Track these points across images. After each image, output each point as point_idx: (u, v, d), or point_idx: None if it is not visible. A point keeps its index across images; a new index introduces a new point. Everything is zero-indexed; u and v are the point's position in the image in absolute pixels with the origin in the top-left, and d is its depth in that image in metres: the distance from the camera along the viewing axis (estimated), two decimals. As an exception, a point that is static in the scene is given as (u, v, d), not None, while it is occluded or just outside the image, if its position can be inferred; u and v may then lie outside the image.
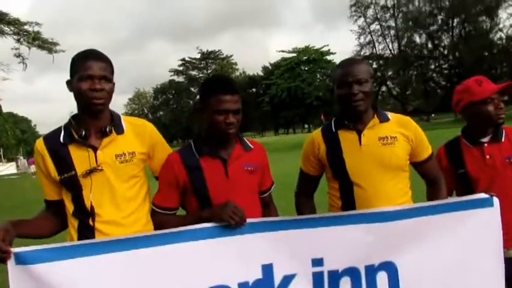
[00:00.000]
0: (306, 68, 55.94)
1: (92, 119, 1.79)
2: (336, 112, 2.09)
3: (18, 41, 18.01)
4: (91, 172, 1.75)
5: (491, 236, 1.87)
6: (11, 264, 1.52)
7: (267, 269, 1.77)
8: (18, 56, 17.84)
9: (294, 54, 57.43)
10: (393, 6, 49.08)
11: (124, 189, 1.80)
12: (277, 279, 1.78)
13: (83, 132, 1.76)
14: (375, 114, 1.97)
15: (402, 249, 1.83)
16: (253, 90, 63.47)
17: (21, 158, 46.90)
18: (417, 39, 49.72)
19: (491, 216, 1.87)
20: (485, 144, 2.13)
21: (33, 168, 31.46)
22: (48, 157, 1.78)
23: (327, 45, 57.14)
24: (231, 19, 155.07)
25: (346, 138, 1.97)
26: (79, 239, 1.75)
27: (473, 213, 1.86)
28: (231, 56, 70.90)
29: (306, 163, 2.12)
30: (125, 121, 1.88)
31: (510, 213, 1.97)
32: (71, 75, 1.78)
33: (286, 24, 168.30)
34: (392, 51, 50.39)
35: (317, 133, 2.08)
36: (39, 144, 1.81)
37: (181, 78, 71.24)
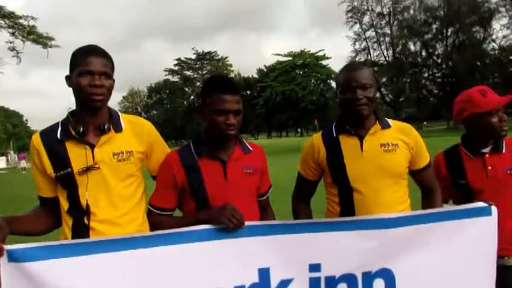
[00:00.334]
0: (301, 72, 56.11)
1: (91, 115, 1.76)
2: (338, 116, 2.07)
3: (13, 34, 17.83)
4: (87, 170, 1.72)
5: (488, 245, 1.88)
6: (3, 261, 1.49)
7: (264, 273, 1.76)
8: (12, 49, 17.65)
9: (290, 58, 57.57)
10: (389, 14, 49.52)
11: (121, 188, 1.77)
12: (274, 284, 1.77)
13: (81, 129, 1.73)
14: (377, 121, 1.96)
15: (399, 256, 1.83)
16: (248, 92, 63.49)
17: (12, 152, 46.43)
18: (412, 47, 50.27)
19: (488, 225, 1.87)
20: (487, 155, 2.11)
21: (23, 163, 31.25)
22: (45, 153, 1.74)
23: (323, 50, 57.34)
24: (228, 21, 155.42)
25: (347, 143, 1.96)
26: (73, 237, 1.71)
27: (471, 222, 1.87)
28: (226, 57, 70.98)
29: (305, 167, 2.10)
30: (123, 119, 1.85)
31: None
32: (71, 70, 1.74)
33: (282, 28, 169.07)
34: (387, 58, 50.82)
35: (317, 137, 2.06)
36: (36, 140, 1.77)
37: (176, 78, 71.11)
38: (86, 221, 1.72)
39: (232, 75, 67.80)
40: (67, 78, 1.77)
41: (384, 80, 48.86)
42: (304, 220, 1.96)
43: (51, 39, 18.62)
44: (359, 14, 50.10)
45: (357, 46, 51.05)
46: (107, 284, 1.57)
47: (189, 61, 69.63)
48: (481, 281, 1.89)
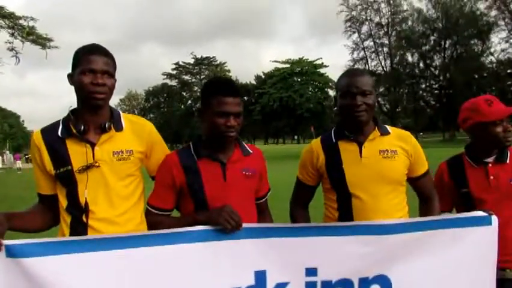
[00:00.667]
0: (298, 80, 56.22)
1: (92, 114, 1.76)
2: (337, 122, 2.09)
3: (12, 35, 17.80)
4: (87, 168, 1.72)
5: (488, 255, 1.88)
6: (1, 256, 1.49)
7: (260, 276, 1.76)
8: (11, 49, 17.61)
9: (288, 65, 57.76)
10: (388, 24, 49.91)
11: (120, 187, 1.77)
12: (270, 287, 1.77)
13: (82, 127, 1.74)
14: (376, 127, 1.97)
15: (397, 263, 1.83)
16: (245, 98, 63.57)
17: (8, 152, 46.13)
18: (410, 58, 50.69)
19: (488, 235, 1.87)
20: (490, 165, 2.10)
21: (19, 163, 31.07)
22: (45, 150, 1.75)
23: (321, 58, 57.59)
24: (227, 27, 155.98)
25: (346, 149, 1.97)
26: (71, 235, 1.71)
27: (471, 231, 1.87)
28: (225, 63, 71.06)
29: (304, 172, 2.11)
30: (124, 118, 1.86)
31: None
32: (73, 68, 1.75)
33: (280, 35, 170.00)
34: (384, 68, 51.13)
35: (316, 143, 2.07)
36: (37, 137, 1.77)
37: (173, 82, 71.12)
38: (84, 219, 1.72)
39: (230, 81, 67.59)
40: (69, 76, 1.78)
41: (381, 90, 49.11)
42: (302, 224, 1.97)
43: (50, 40, 18.60)
44: (358, 24, 50.52)
45: (355, 55, 51.42)
46: (103, 282, 1.57)
47: (187, 65, 69.72)
48: None
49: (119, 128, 1.81)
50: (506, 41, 43.21)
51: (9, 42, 17.61)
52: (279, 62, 58.87)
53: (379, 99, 48.14)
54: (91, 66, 1.70)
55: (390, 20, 49.75)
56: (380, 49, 51.37)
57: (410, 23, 49.37)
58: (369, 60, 51.32)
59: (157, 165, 1.89)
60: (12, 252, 1.50)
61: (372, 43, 51.18)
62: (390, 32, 50.30)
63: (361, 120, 1.90)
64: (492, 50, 46.07)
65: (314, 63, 57.30)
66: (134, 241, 1.63)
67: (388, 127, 2.03)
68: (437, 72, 49.78)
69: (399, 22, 49.53)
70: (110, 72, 1.76)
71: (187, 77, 70.63)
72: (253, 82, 66.49)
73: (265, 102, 55.96)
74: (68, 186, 1.74)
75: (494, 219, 1.88)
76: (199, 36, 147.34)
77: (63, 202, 1.76)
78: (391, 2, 49.36)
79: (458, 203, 2.20)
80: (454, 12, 45.92)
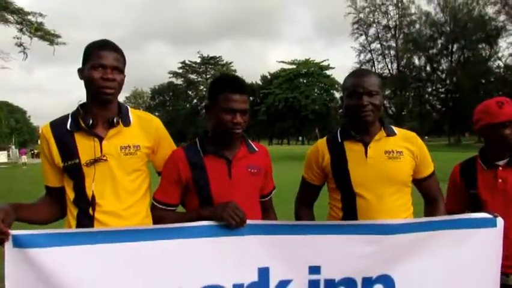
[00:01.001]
0: (304, 81, 56.20)
1: (100, 108, 1.78)
2: (343, 122, 2.09)
3: (20, 30, 17.92)
4: (95, 161, 1.74)
5: (492, 257, 1.87)
6: (8, 246, 1.51)
7: (263, 273, 1.76)
8: (19, 45, 17.73)
9: (294, 66, 57.73)
10: (395, 27, 49.74)
11: (127, 182, 1.79)
12: (273, 284, 1.77)
13: (91, 121, 1.76)
14: (382, 128, 1.98)
15: (400, 263, 1.83)
16: (251, 98, 63.69)
17: (13, 147, 46.40)
18: (417, 61, 50.49)
19: (493, 237, 1.87)
20: (500, 168, 2.09)
21: (24, 158, 31.29)
22: (54, 143, 1.77)
23: (327, 59, 57.52)
24: (234, 27, 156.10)
25: (352, 149, 1.97)
26: (78, 227, 1.74)
27: (475, 233, 1.86)
28: (231, 62, 71.18)
29: (309, 172, 2.11)
30: (132, 114, 1.88)
31: None
32: (84, 63, 1.78)
33: (287, 36, 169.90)
34: (391, 71, 50.97)
35: (322, 142, 2.08)
36: (46, 129, 1.80)
37: (179, 81, 71.36)
38: (91, 212, 1.74)
39: (236, 80, 67.69)
40: (79, 71, 1.80)
41: (387, 92, 48.98)
42: (306, 222, 1.97)
43: (57, 36, 18.72)
44: (365, 26, 50.41)
45: (361, 57, 51.32)
46: (107, 274, 1.59)
47: (194, 65, 69.90)
48: None
49: (127, 123, 1.83)
50: (515, 46, 42.95)
51: (18, 38, 17.75)
52: (285, 62, 58.94)
53: (385, 101, 48.11)
54: (101, 62, 1.72)
55: (397, 22, 49.59)
56: (386, 52, 51.26)
57: (417, 26, 49.21)
58: (376, 63, 51.26)
59: (163, 160, 1.91)
60: (19, 243, 1.52)
61: (379, 45, 51.09)
62: (397, 35, 50.14)
63: (367, 120, 1.90)
64: (500, 54, 45.86)
65: (320, 64, 57.25)
66: (139, 235, 1.64)
67: (394, 128, 2.03)
68: (443, 76, 49.57)
69: (407, 25, 49.36)
70: (120, 68, 1.78)
71: (193, 76, 70.83)
72: (259, 82, 66.53)
73: (270, 103, 55.97)
74: (75, 179, 1.76)
75: (500, 221, 1.87)
76: (206, 35, 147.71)
77: (70, 195, 1.78)
78: (399, 4, 49.23)
79: (467, 205, 2.20)
80: (462, 16, 45.70)
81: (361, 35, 50.84)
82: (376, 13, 49.84)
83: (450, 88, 47.98)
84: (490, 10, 44.03)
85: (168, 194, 1.88)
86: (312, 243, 1.80)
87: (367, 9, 49.66)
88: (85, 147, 1.75)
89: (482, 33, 44.56)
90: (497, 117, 2.03)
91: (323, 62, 57.22)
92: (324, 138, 2.10)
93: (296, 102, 53.40)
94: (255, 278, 1.75)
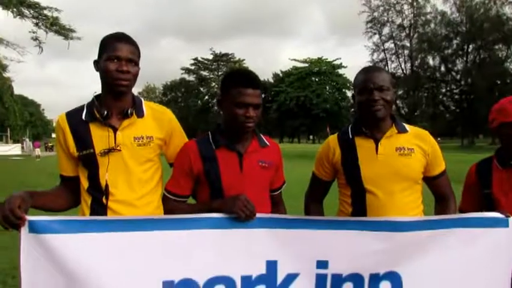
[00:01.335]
0: (316, 79, 56.02)
1: (115, 100, 1.82)
2: (354, 118, 2.09)
3: (36, 24, 18.16)
4: (109, 151, 1.77)
5: (503, 257, 1.85)
6: (24, 231, 1.55)
7: (271, 266, 1.78)
8: (35, 39, 17.97)
9: (306, 65, 57.53)
10: (410, 26, 49.18)
11: (139, 172, 1.82)
12: (281, 277, 1.79)
13: (105, 112, 1.79)
14: (394, 124, 1.98)
15: (409, 260, 1.82)
16: (262, 96, 63.66)
17: (27, 140, 47.11)
18: (431, 62, 49.90)
19: (504, 237, 1.85)
20: None
21: (38, 151, 31.72)
22: (69, 133, 1.81)
23: (340, 58, 57.19)
24: (246, 24, 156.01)
25: (363, 145, 1.97)
26: (91, 215, 1.78)
27: (485, 232, 1.85)
28: (243, 60, 71.17)
29: (319, 167, 2.12)
30: (146, 106, 1.91)
31: None
32: (99, 55, 1.81)
33: (299, 34, 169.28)
34: (404, 71, 50.48)
35: (333, 138, 2.08)
36: (62, 119, 1.84)
37: (191, 77, 71.64)
38: (104, 201, 1.78)
39: (248, 78, 67.78)
40: (95, 62, 1.84)
41: (400, 92, 48.54)
42: (316, 217, 1.98)
43: (72, 31, 18.92)
44: (379, 25, 49.93)
45: (374, 57, 50.87)
46: (118, 261, 1.62)
47: (206, 61, 70.08)
48: None
49: (140, 114, 1.86)
50: (533, 47, 42.16)
51: (33, 32, 17.99)
52: (297, 60, 58.91)
53: (397, 102, 47.70)
54: (117, 54, 1.75)
55: (412, 22, 49.02)
56: (400, 51, 50.75)
57: (432, 25, 48.58)
58: (389, 62, 50.81)
59: (175, 152, 1.94)
60: (34, 228, 1.56)
61: (392, 45, 50.62)
62: (412, 34, 49.58)
63: (378, 115, 1.90)
64: (517, 55, 45.00)
65: (333, 63, 57.01)
66: (150, 224, 1.67)
67: (406, 125, 2.02)
68: (458, 76, 48.88)
69: (421, 24, 48.76)
70: (135, 60, 1.81)
71: (205, 73, 71.05)
72: (271, 80, 66.48)
73: (281, 101, 55.94)
74: (89, 169, 1.80)
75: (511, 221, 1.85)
76: (219, 32, 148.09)
77: (84, 184, 1.82)
78: (414, 4, 48.63)
79: (482, 206, 2.17)
80: (478, 16, 44.98)
81: (375, 34, 50.46)
82: (390, 12, 49.41)
83: (465, 89, 47.33)
84: (508, 10, 43.32)
85: (179, 186, 1.90)
86: (321, 238, 1.80)
87: (381, 8, 49.22)
88: (100, 137, 1.79)
89: (499, 33, 43.80)
90: (509, 116, 2.01)
91: (335, 60, 57.03)
92: (336, 135, 2.10)
93: (307, 101, 53.28)
94: (263, 270, 1.77)
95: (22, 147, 42.59)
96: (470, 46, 47.19)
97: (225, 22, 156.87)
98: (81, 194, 1.85)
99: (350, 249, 1.81)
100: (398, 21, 49.48)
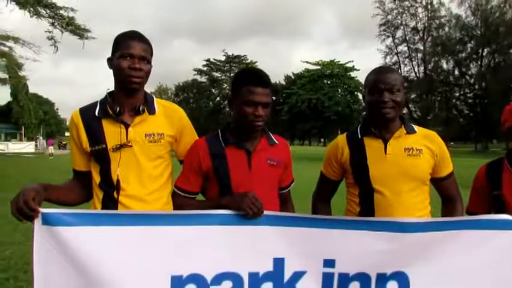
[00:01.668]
0: (328, 82, 55.80)
1: (127, 97, 1.85)
2: (364, 118, 2.10)
3: (52, 24, 18.45)
4: (120, 147, 1.81)
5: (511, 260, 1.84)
6: (37, 223, 1.59)
7: (279, 263, 1.79)
8: (50, 38, 18.26)
9: (318, 67, 57.36)
10: (424, 30, 48.66)
11: (150, 168, 1.86)
12: (288, 274, 1.80)
13: (118, 109, 1.83)
14: (403, 125, 1.98)
15: (416, 261, 1.82)
16: (273, 98, 63.57)
17: (41, 138, 47.73)
18: (444, 65, 49.19)
19: None
20: None
21: (51, 149, 32.16)
22: (83, 128, 1.85)
23: (352, 61, 56.90)
24: (259, 26, 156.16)
25: (371, 145, 1.98)
26: (102, 209, 1.81)
27: (495, 234, 1.83)
28: (255, 62, 71.15)
29: (328, 167, 2.13)
30: (157, 103, 1.94)
31: None
32: (113, 52, 1.84)
33: (312, 37, 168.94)
34: (417, 75, 49.88)
35: (342, 138, 2.09)
36: (75, 115, 1.88)
37: (203, 79, 71.84)
38: (115, 195, 1.81)
39: (259, 79, 67.79)
40: (108, 60, 1.88)
41: (413, 96, 48.03)
42: (324, 216, 1.99)
43: (87, 31, 19.17)
44: (393, 28, 49.46)
45: (387, 60, 50.28)
46: (129, 255, 1.65)
47: (218, 63, 70.27)
48: None
49: (152, 111, 1.89)
50: (549, 51, 41.40)
51: (49, 32, 18.28)
52: (310, 63, 58.75)
53: (410, 105, 47.23)
54: (130, 52, 1.79)
55: (426, 25, 48.49)
56: (413, 54, 50.15)
57: (446, 29, 48.00)
58: (402, 66, 50.12)
59: (185, 149, 1.97)
60: (47, 220, 1.60)
61: (406, 48, 50.00)
62: (425, 38, 49.04)
63: (388, 117, 1.91)
64: (533, 60, 44.18)
65: (345, 66, 56.74)
66: (159, 219, 1.70)
67: (415, 126, 2.03)
68: (472, 80, 48.22)
69: (435, 28, 48.20)
70: (147, 58, 1.84)
71: (217, 74, 71.21)
72: (283, 82, 66.41)
73: (293, 103, 55.82)
74: (101, 164, 1.84)
75: None
76: (232, 34, 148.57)
77: (96, 178, 1.86)
78: (429, 7, 48.13)
79: (491, 208, 2.15)
80: (494, 19, 44.31)
81: (388, 37, 49.91)
82: (404, 15, 48.87)
83: (479, 93, 46.65)
84: (524, 14, 42.58)
85: (189, 182, 1.93)
86: (328, 237, 1.81)
87: (395, 11, 48.74)
88: (112, 133, 1.83)
89: (514, 37, 43.08)
90: None
91: (347, 63, 56.74)
92: (344, 134, 2.11)
93: (319, 104, 53.09)
94: (270, 267, 1.78)
95: (36, 145, 43.19)
96: (485, 50, 46.53)
97: (238, 24, 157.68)
98: (93, 189, 1.89)
99: (357, 248, 1.81)
100: (412, 24, 48.93)
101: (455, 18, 47.14)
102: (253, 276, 1.76)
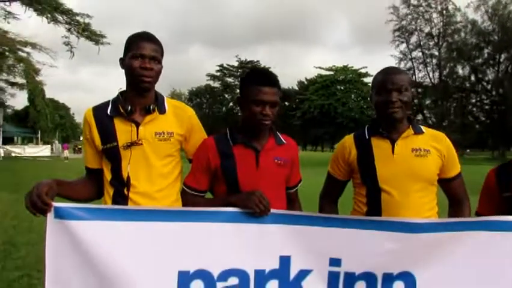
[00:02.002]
0: (341, 88, 55.53)
1: (139, 96, 1.90)
2: (371, 119, 2.11)
3: (68, 30, 18.88)
4: (131, 145, 1.86)
5: None
6: (50, 217, 1.64)
7: (285, 261, 1.80)
8: (67, 44, 18.68)
9: (331, 72, 57.15)
10: (439, 35, 48.15)
11: (160, 166, 1.90)
12: (293, 272, 1.81)
13: (129, 108, 1.87)
14: (410, 126, 1.98)
15: (423, 262, 1.81)
16: (286, 103, 63.56)
17: (57, 142, 48.53)
18: (460, 71, 48.45)
19: None
20: None
21: (66, 153, 32.72)
22: (95, 126, 1.90)
23: (366, 67, 56.56)
24: (272, 32, 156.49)
25: (379, 145, 1.99)
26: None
27: (504, 236, 1.81)
28: (269, 67, 71.16)
29: (335, 166, 2.14)
30: (168, 102, 1.98)
31: None
32: (125, 52, 1.90)
33: (325, 42, 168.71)
34: (432, 80, 49.29)
35: (350, 138, 2.10)
36: (88, 114, 1.94)
37: (216, 84, 72.21)
38: (125, 192, 1.86)
39: (272, 85, 67.90)
40: (121, 60, 1.93)
41: (428, 102, 47.48)
42: (330, 215, 1.99)
43: (103, 36, 19.60)
44: (407, 34, 49.07)
45: (402, 66, 49.77)
46: (138, 249, 1.68)
47: (231, 68, 70.60)
48: None
49: (162, 110, 1.93)
50: None
51: (66, 37, 18.71)
52: (323, 68, 58.53)
53: (425, 111, 46.70)
54: (141, 52, 1.84)
55: (441, 30, 47.98)
56: (428, 60, 49.61)
57: (462, 34, 47.39)
58: (417, 71, 49.63)
59: (194, 148, 2.00)
60: (60, 214, 1.65)
61: (420, 54, 49.48)
62: (440, 43, 48.51)
63: (395, 117, 1.92)
64: (551, 66, 43.37)
65: (358, 71, 56.42)
66: (169, 215, 1.74)
67: (422, 127, 2.03)
68: (489, 86, 47.46)
69: (451, 33, 47.64)
70: (158, 58, 1.89)
71: (230, 80, 71.45)
72: (296, 88, 66.38)
73: (305, 109, 55.65)
74: (113, 161, 1.89)
75: None
76: (245, 39, 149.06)
77: (107, 175, 1.91)
78: (444, 12, 47.65)
79: (500, 210, 2.13)
80: (511, 25, 43.66)
81: (402, 42, 49.48)
82: (419, 20, 48.46)
83: (496, 100, 45.86)
84: (542, 19, 41.85)
85: (197, 181, 1.96)
86: (335, 235, 1.82)
87: (409, 17, 48.37)
88: (123, 131, 1.87)
89: (533, 43, 42.35)
90: None
91: (361, 69, 56.42)
92: (352, 135, 2.12)
93: (332, 109, 52.82)
94: (276, 265, 1.79)
95: (52, 149, 43.93)
96: (502, 56, 45.79)
97: (251, 29, 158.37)
98: (104, 186, 1.93)
99: (363, 248, 1.81)
100: (427, 29, 48.45)
101: (471, 23, 46.52)
102: (259, 273, 1.78)
